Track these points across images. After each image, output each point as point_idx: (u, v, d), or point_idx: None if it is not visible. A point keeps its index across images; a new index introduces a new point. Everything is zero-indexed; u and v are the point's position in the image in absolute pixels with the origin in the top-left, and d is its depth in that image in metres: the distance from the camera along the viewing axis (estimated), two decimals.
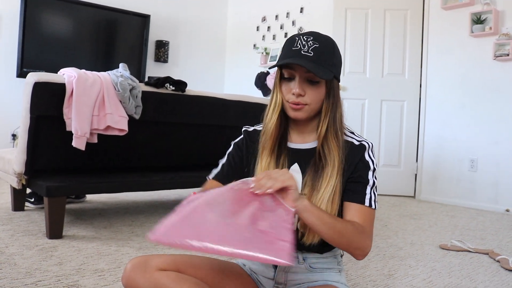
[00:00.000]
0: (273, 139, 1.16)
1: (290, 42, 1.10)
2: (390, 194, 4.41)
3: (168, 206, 3.21)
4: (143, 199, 3.45)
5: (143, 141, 2.73)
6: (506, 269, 2.04)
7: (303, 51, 1.06)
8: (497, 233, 2.88)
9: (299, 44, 1.07)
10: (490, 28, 3.78)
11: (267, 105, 1.19)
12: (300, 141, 1.19)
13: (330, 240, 1.03)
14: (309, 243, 1.10)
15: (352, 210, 1.10)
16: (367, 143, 1.16)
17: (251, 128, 1.28)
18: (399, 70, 4.43)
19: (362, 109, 4.50)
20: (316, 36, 1.09)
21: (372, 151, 1.17)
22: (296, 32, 5.30)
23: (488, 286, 1.80)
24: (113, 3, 5.39)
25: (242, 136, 1.28)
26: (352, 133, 1.19)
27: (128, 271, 1.06)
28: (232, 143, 1.29)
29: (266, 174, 0.98)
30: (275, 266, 1.18)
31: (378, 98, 4.48)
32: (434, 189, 4.23)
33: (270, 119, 1.16)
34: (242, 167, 1.24)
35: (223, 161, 1.28)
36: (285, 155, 1.17)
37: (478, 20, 3.89)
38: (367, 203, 1.11)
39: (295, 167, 1.15)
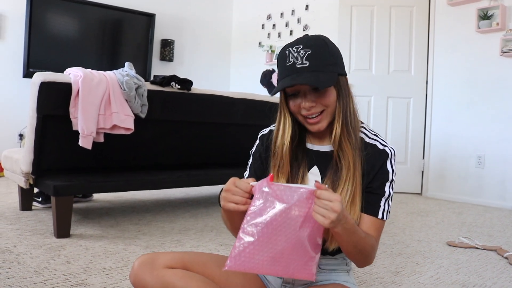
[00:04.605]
0: (288, 162, 1.12)
1: (282, 57, 1.06)
2: (397, 191, 4.38)
3: (175, 205, 3.22)
4: (149, 198, 3.46)
5: (149, 139, 2.74)
6: None
7: (298, 64, 1.02)
8: (505, 230, 2.86)
9: (292, 58, 1.03)
10: (497, 24, 3.75)
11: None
12: (318, 143, 1.16)
13: (349, 254, 1.04)
14: (331, 249, 1.09)
15: (366, 221, 1.10)
16: (390, 150, 1.12)
17: (267, 131, 1.25)
18: (405, 67, 4.41)
19: (368, 106, 4.48)
20: (305, 43, 1.04)
21: (394, 159, 1.13)
22: (302, 31, 5.34)
23: (496, 282, 1.79)
24: (119, 3, 5.41)
25: (258, 142, 1.25)
26: (376, 135, 1.15)
27: (135, 269, 1.07)
28: (251, 153, 1.26)
29: (325, 197, 0.89)
30: None
31: (384, 95, 4.46)
32: (441, 186, 4.21)
33: (283, 144, 1.12)
34: (263, 174, 1.20)
35: (246, 173, 1.25)
36: (303, 156, 1.14)
37: (484, 16, 3.86)
38: (380, 215, 1.10)
39: (315, 170, 1.14)
